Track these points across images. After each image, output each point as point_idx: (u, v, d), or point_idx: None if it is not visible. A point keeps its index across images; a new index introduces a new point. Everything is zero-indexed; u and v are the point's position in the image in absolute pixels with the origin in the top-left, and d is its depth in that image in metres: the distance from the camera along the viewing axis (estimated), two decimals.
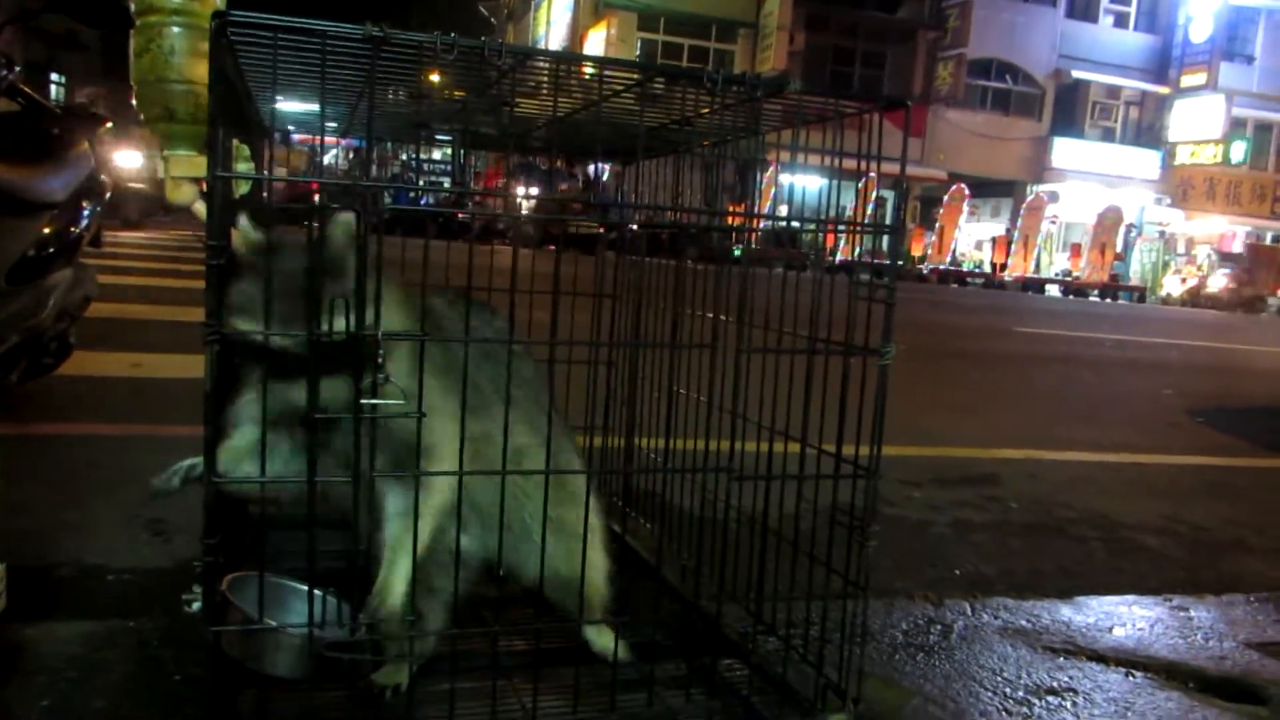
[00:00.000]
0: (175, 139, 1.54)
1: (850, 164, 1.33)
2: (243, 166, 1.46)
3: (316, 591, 1.24)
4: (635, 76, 1.20)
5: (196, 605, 1.12)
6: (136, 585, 1.95)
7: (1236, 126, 26.87)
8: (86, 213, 3.13)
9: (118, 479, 2.61)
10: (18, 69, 2.94)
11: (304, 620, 1.22)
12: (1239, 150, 26.49)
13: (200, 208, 1.48)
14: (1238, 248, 27.33)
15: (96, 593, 1.91)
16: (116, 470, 2.71)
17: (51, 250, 2.96)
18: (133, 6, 1.54)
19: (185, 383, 3.43)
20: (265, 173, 1.50)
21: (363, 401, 1.06)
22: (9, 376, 2.96)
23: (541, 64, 1.17)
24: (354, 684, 1.30)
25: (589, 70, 1.25)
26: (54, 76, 21.55)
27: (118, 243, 10.24)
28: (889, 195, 15.85)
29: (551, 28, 27.43)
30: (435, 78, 1.26)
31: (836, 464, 1.32)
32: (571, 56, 1.27)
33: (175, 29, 1.50)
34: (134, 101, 1.55)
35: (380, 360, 1.05)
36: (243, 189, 1.40)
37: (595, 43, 24.11)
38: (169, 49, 1.49)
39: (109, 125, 3.31)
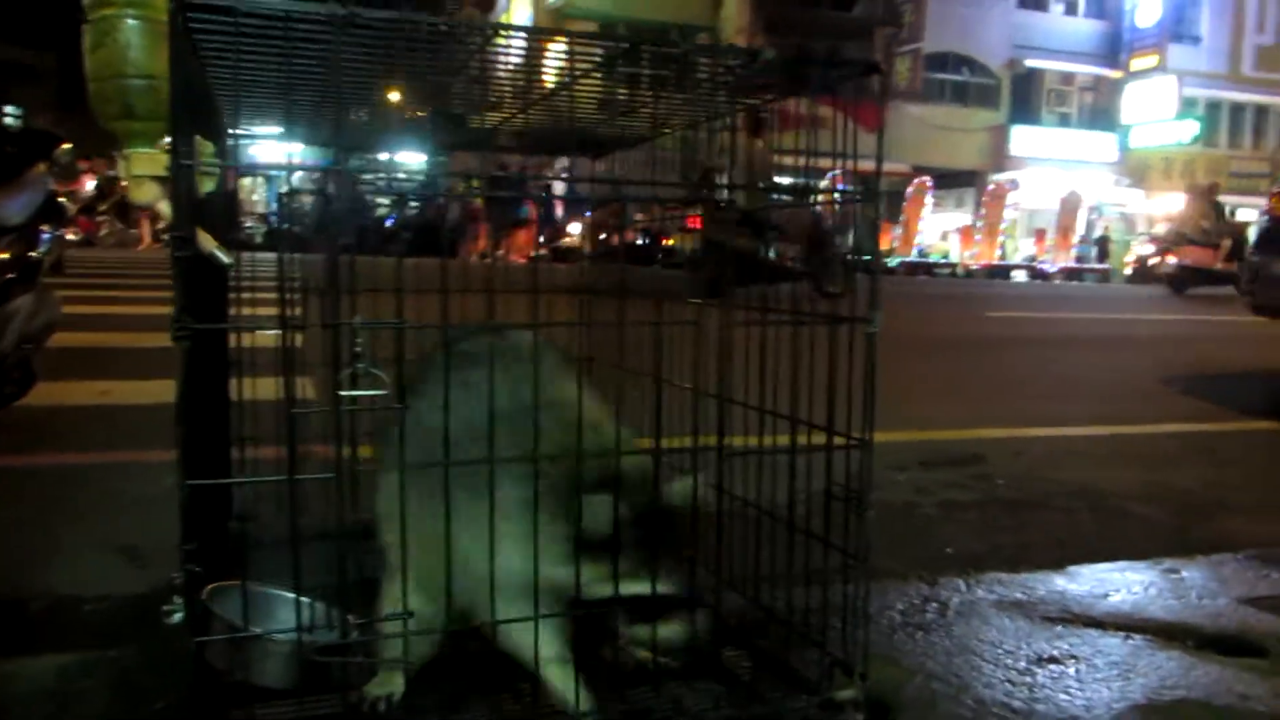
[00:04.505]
0: (135, 136, 1.50)
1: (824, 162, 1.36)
2: None
3: (303, 597, 1.20)
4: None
5: (178, 616, 1.07)
6: (113, 613, 1.88)
7: (1188, 106, 27.38)
8: (46, 236, 3.07)
9: (89, 507, 2.54)
10: None
11: (291, 626, 1.18)
12: (1191, 129, 26.98)
13: (165, 206, 1.44)
14: None
15: (72, 624, 1.83)
16: (87, 498, 2.64)
17: (10, 275, 2.89)
18: (83, 1, 1.49)
19: (157, 408, 3.35)
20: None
21: (340, 394, 1.02)
22: None
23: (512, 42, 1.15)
24: (346, 694, 1.26)
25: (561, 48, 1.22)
26: (9, 109, 21.24)
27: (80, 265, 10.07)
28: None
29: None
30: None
31: (829, 435, 1.30)
32: (544, 31, 1.25)
33: (131, 21, 1.44)
34: (90, 100, 1.50)
35: (359, 350, 1.02)
36: (207, 187, 1.36)
37: (555, 52, 24.06)
38: (125, 43, 1.44)
39: (67, 146, 3.24)
